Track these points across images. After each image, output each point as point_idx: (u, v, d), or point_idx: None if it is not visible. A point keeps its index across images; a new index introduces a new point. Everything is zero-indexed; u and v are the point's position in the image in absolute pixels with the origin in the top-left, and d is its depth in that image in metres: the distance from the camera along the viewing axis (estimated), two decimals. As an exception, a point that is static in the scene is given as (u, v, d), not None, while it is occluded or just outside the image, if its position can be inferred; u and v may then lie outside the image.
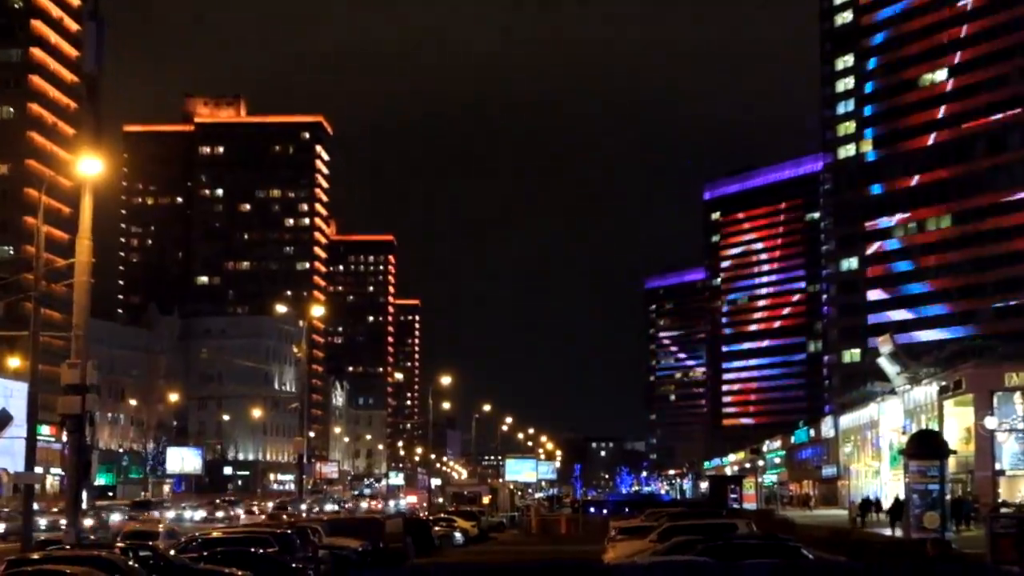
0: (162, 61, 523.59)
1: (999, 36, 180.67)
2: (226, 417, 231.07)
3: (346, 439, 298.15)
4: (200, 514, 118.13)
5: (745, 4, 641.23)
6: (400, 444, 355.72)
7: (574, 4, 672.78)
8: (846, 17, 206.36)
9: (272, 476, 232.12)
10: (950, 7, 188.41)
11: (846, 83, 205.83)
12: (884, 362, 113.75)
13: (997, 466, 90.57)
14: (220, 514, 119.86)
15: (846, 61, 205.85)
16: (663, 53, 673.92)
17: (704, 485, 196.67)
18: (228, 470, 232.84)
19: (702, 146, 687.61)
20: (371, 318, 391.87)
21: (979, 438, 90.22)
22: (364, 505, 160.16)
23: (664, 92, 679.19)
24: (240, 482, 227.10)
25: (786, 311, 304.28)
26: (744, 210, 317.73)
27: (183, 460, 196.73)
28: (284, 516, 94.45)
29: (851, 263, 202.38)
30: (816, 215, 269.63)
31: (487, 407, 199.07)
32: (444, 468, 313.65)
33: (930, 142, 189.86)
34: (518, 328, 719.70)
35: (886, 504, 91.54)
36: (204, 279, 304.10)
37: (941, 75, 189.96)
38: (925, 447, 58.26)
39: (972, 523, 74.49)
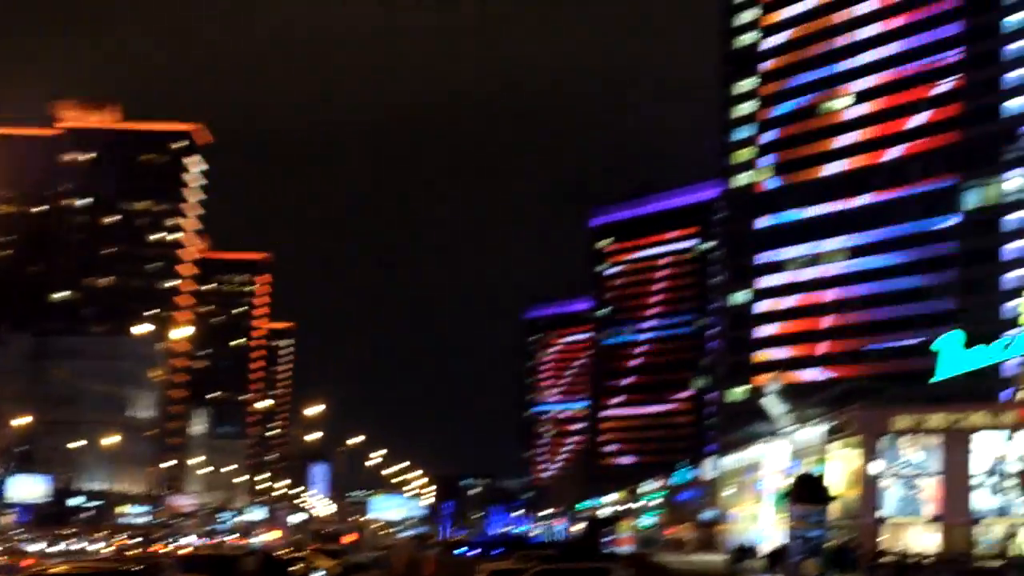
0: (36, 61, 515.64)
1: (901, 64, 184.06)
2: (77, 444, 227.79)
3: (206, 470, 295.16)
4: (43, 546, 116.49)
5: (650, 23, 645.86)
6: (264, 476, 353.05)
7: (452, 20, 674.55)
8: (748, 39, 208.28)
9: (124, 508, 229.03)
10: (853, 33, 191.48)
11: (746, 107, 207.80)
12: (771, 401, 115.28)
13: (882, 512, 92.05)
14: (65, 547, 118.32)
15: (746, 85, 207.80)
16: (556, 71, 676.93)
17: (578, 527, 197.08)
18: (77, 500, 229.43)
19: (594, 170, 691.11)
20: (238, 341, 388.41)
21: (864, 483, 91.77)
22: (222, 540, 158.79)
23: (560, 115, 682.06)
24: (90, 513, 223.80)
25: (673, 345, 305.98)
26: (634, 238, 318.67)
27: (28, 489, 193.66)
28: (137, 551, 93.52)
29: (742, 296, 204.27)
30: (709, 245, 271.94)
31: (357, 439, 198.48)
32: (308, 503, 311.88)
33: (830, 172, 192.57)
34: (399, 356, 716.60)
35: (764, 551, 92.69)
36: (61, 295, 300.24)
37: (843, 103, 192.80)
38: (807, 492, 59.26)
39: (854, 571, 75.72)
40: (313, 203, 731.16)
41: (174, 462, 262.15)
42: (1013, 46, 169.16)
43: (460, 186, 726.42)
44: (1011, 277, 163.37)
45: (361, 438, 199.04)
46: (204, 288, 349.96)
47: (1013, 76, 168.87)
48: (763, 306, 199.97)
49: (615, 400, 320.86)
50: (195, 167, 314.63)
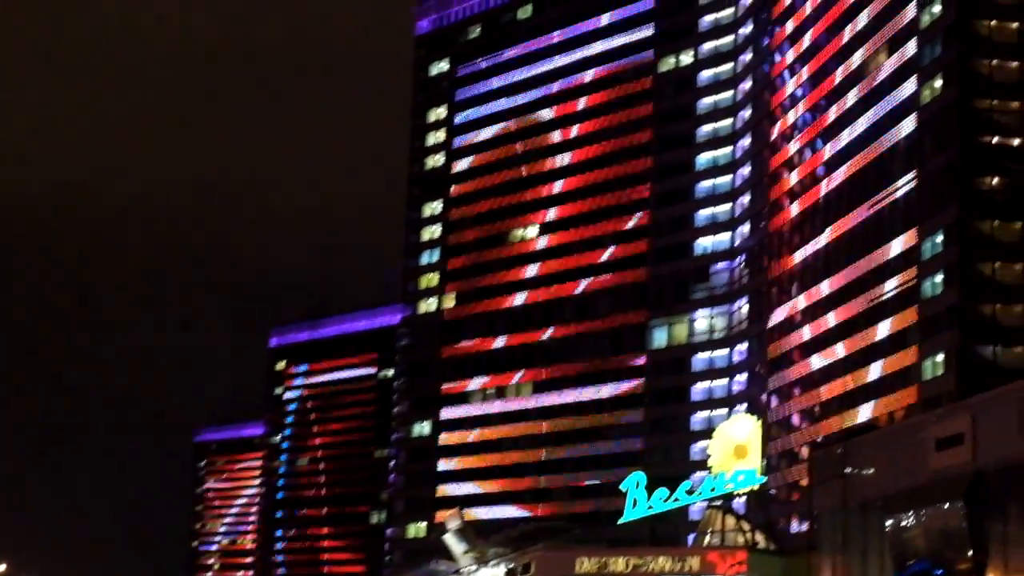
0: None
1: (592, 197, 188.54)
2: None
3: None
4: None
5: (339, 140, 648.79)
6: None
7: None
8: (437, 161, 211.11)
9: None
10: (546, 160, 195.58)
11: (432, 232, 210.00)
12: (451, 539, 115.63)
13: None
14: None
15: (433, 208, 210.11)
16: (238, 184, 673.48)
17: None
18: None
19: (277, 288, 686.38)
20: None
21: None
22: None
23: (241, 230, 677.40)
24: None
25: (349, 477, 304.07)
26: (312, 361, 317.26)
27: None
28: None
29: (423, 428, 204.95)
30: (391, 372, 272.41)
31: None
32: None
33: (517, 303, 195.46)
34: (51, 475, 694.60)
35: None
36: None
37: (532, 232, 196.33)
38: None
39: None
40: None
41: None
42: (705, 183, 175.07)
43: (132, 298, 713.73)
44: (700, 418, 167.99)
45: (2, 568, 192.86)
46: None
47: (704, 214, 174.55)
48: (446, 438, 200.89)
49: (288, 533, 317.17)
50: None
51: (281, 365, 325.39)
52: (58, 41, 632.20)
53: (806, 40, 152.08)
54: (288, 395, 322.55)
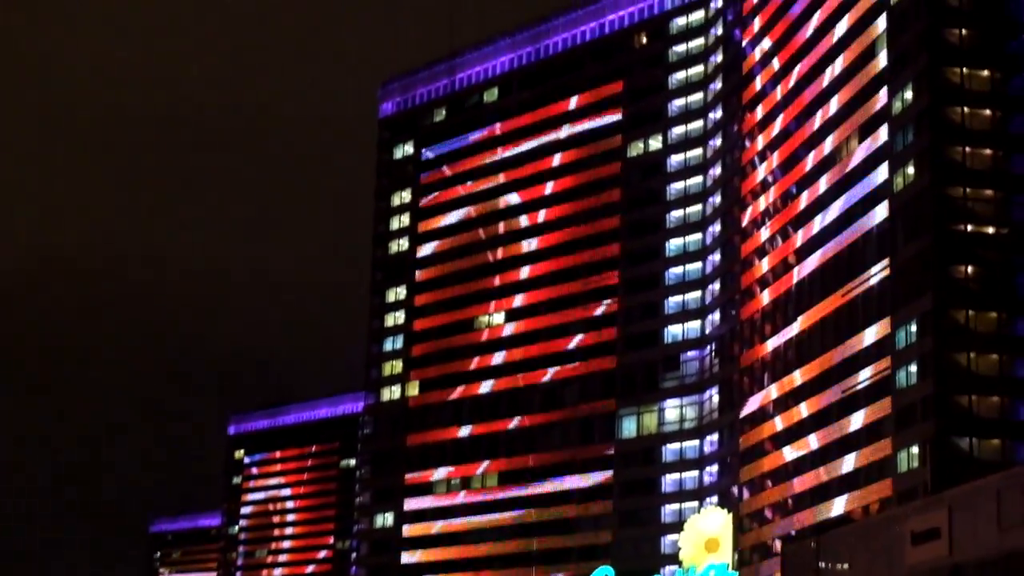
0: None
1: (560, 283, 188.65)
2: None
3: None
4: None
5: (305, 223, 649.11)
6: None
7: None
8: (401, 245, 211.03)
9: None
10: (512, 245, 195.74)
11: (396, 317, 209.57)
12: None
13: None
14: None
15: (398, 293, 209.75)
16: (182, 270, 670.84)
17: None
18: None
19: (238, 372, 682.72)
20: None
21: None
22: None
23: (195, 315, 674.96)
24: None
25: (310, 569, 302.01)
26: (272, 450, 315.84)
27: None
28: None
29: (386, 519, 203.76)
30: (353, 462, 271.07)
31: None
32: None
33: (483, 391, 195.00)
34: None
35: None
36: None
37: (498, 319, 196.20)
38: None
39: None
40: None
41: None
42: (675, 270, 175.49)
43: (86, 383, 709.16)
44: (670, 510, 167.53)
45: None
46: None
47: (674, 301, 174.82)
48: (409, 530, 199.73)
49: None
50: None
51: (239, 454, 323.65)
52: (21, 115, 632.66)
53: (776, 125, 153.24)
54: (247, 484, 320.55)
